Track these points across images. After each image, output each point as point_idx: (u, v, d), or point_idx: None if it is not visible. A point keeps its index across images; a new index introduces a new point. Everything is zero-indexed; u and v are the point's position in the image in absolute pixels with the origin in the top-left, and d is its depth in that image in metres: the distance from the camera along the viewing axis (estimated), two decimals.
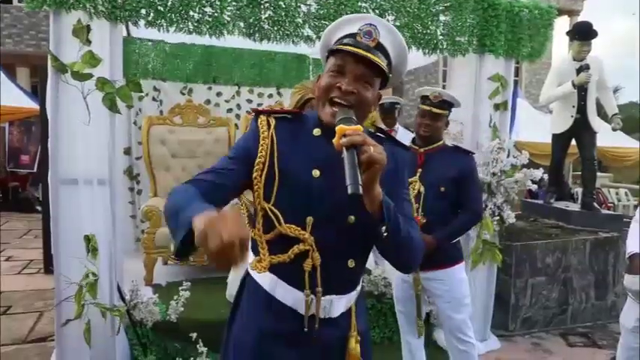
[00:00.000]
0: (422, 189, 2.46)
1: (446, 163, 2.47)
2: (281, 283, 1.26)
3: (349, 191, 1.01)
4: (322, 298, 1.25)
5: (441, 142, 2.55)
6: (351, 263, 1.27)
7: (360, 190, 1.02)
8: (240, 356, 1.31)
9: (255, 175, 1.24)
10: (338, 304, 1.28)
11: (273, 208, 1.23)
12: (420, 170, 2.49)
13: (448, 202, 2.46)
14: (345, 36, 1.23)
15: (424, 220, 2.42)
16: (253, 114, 1.33)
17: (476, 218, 2.58)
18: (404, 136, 4.61)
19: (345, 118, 1.13)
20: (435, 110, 2.47)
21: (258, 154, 1.25)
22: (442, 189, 2.43)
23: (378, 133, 1.35)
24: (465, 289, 2.53)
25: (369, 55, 1.19)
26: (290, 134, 1.28)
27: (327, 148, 1.16)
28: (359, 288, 1.36)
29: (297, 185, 1.22)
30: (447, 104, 2.49)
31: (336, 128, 1.09)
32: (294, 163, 1.24)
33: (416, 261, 1.28)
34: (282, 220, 1.22)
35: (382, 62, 1.21)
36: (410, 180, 2.41)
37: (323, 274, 1.24)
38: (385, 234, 1.13)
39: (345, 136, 1.06)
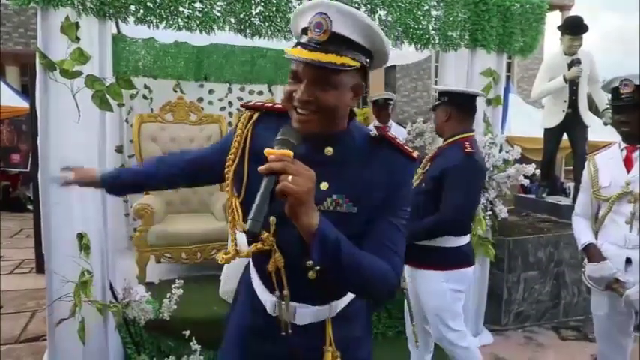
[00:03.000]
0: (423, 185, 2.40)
1: (439, 159, 2.38)
2: (258, 282, 1.27)
3: (246, 227, 0.96)
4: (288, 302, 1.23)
5: (453, 139, 2.38)
6: (312, 275, 1.17)
7: (256, 228, 0.96)
8: (227, 347, 1.35)
9: (226, 170, 1.24)
10: (301, 313, 1.24)
11: (238, 205, 1.22)
12: (428, 164, 2.44)
13: (426, 199, 2.29)
14: (302, 31, 1.12)
15: None
16: (243, 109, 1.30)
17: (440, 224, 2.26)
18: (397, 132, 4.61)
19: (282, 140, 1.05)
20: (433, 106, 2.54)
21: (230, 151, 1.24)
22: (423, 185, 2.35)
23: (383, 136, 1.21)
24: (439, 300, 2.34)
25: (313, 57, 1.05)
26: (271, 131, 1.18)
27: (297, 148, 1.13)
28: (335, 304, 1.26)
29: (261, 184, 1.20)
30: (442, 96, 2.43)
31: (264, 151, 1.02)
32: (263, 162, 1.19)
33: (380, 296, 1.18)
34: (240, 218, 1.20)
35: (336, 58, 1.06)
36: (420, 171, 2.42)
37: (288, 278, 1.20)
38: (317, 268, 1.07)
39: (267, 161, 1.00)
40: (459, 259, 2.35)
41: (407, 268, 2.44)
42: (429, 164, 2.42)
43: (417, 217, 2.26)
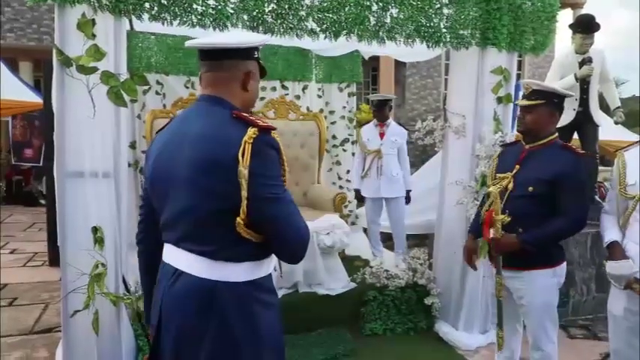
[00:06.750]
0: (510, 186, 2.32)
1: (545, 161, 2.29)
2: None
3: None
4: None
5: (548, 139, 2.35)
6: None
7: None
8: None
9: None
10: None
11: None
12: (517, 167, 2.35)
13: (536, 203, 2.27)
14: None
15: (508, 219, 2.28)
16: None
17: (572, 227, 2.30)
18: (395, 129, 4.63)
19: None
20: (522, 103, 2.36)
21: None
22: (530, 189, 2.27)
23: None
24: (546, 295, 2.35)
25: None
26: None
27: None
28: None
29: None
30: (541, 94, 2.31)
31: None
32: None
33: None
34: None
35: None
36: (502, 175, 2.39)
37: None
38: None
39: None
40: (562, 253, 2.42)
41: (512, 273, 2.37)
42: (517, 167, 2.35)
43: (523, 222, 2.27)
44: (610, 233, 2.29)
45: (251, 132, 1.31)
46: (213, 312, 1.36)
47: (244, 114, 1.40)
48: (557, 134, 2.41)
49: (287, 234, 1.36)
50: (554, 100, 2.32)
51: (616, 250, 2.21)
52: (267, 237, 1.37)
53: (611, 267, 2.20)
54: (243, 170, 1.28)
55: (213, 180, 1.32)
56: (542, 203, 2.28)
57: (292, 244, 1.39)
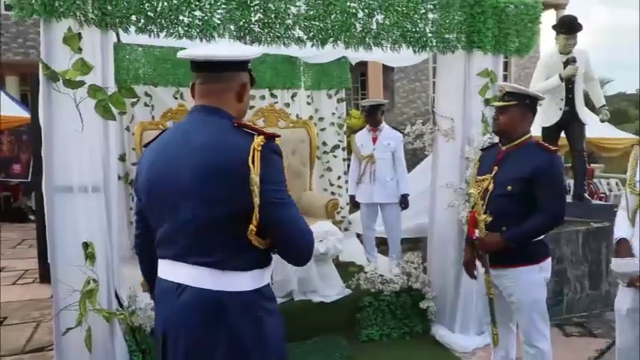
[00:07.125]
0: (490, 187, 2.41)
1: (521, 161, 2.38)
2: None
3: None
4: None
5: (522, 139, 2.43)
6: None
7: None
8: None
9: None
10: None
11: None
12: (495, 168, 2.44)
13: (515, 201, 2.35)
14: None
15: (489, 219, 2.36)
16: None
17: (550, 222, 2.39)
18: (389, 133, 4.64)
19: None
20: (495, 104, 2.50)
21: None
22: (509, 188, 2.35)
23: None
24: (534, 292, 2.40)
25: None
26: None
27: None
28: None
29: None
30: (514, 96, 2.40)
31: None
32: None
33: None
34: None
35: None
36: (482, 177, 2.48)
37: None
38: None
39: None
40: (546, 250, 2.48)
41: (498, 272, 2.43)
42: (495, 168, 2.44)
43: (506, 220, 2.34)
44: (619, 230, 2.27)
45: (259, 139, 1.33)
46: (222, 323, 1.37)
47: (246, 123, 1.42)
48: (531, 134, 2.49)
49: (294, 237, 1.39)
50: (526, 102, 2.42)
51: (622, 248, 2.21)
52: (274, 241, 1.39)
53: (616, 264, 2.19)
54: (255, 177, 1.29)
55: (215, 187, 1.32)
56: (520, 201, 2.36)
57: (299, 247, 1.42)
